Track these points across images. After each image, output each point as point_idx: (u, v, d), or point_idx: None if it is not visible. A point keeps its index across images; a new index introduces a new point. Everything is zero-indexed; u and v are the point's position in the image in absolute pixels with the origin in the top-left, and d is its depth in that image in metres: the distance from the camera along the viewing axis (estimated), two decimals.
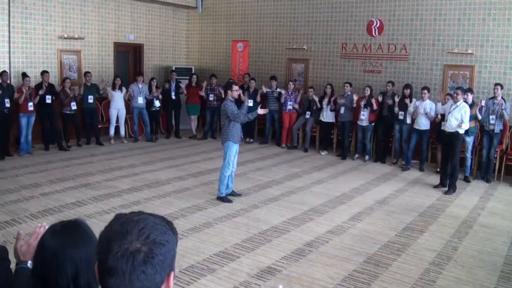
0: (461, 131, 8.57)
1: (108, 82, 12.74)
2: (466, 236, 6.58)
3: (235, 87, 7.71)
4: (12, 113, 10.40)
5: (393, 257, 5.72)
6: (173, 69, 13.87)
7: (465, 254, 5.96)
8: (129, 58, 14.40)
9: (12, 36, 10.97)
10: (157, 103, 12.85)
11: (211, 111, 13.27)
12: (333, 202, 7.88)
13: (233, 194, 7.96)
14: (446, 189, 8.77)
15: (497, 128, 9.47)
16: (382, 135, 11.11)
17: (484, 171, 9.77)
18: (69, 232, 1.84)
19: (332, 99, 11.51)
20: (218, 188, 7.78)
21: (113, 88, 12.21)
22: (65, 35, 12.12)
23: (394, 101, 10.60)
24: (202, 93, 13.17)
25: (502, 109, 9.38)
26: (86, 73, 11.93)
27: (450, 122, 8.56)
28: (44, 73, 11.02)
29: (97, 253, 1.30)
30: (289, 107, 12.30)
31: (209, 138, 13.38)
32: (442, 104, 9.42)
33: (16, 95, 10.38)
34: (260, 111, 8.07)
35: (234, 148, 7.65)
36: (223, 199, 7.72)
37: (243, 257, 5.59)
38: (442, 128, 8.88)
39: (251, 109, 12.38)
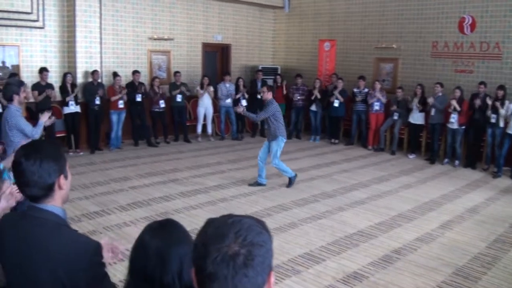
0: None
1: (196, 81, 13.11)
2: None
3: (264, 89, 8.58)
4: (103, 110, 11.00)
5: (483, 270, 5.50)
6: (259, 68, 14.02)
7: None
8: (216, 58, 14.71)
9: (104, 37, 11.53)
10: (243, 102, 13.04)
11: (297, 111, 13.33)
12: (422, 208, 7.68)
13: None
14: None
15: None
16: (473, 139, 10.66)
17: None
18: (169, 230, 1.89)
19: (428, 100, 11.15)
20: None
21: (201, 87, 12.54)
22: (155, 36, 12.59)
23: (486, 103, 10.15)
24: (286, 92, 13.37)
25: None
26: (176, 72, 12.34)
27: None
28: (135, 72, 11.57)
29: (194, 259, 1.29)
30: (376, 107, 12.10)
31: (294, 138, 13.43)
32: None
33: (100, 92, 10.87)
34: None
35: None
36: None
37: (328, 260, 5.58)
38: None
39: (337, 110, 12.47)
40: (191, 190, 8.17)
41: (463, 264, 5.64)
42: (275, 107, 8.24)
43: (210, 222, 1.32)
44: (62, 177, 2.02)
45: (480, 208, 7.82)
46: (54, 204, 2.01)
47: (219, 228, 1.27)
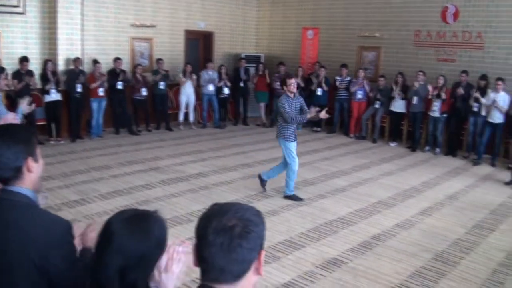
0: None
1: (179, 69, 13.01)
2: None
3: (290, 81, 7.04)
4: (84, 98, 10.86)
5: (461, 255, 5.56)
6: (242, 56, 13.94)
7: None
8: (199, 46, 14.59)
9: (85, 24, 11.34)
10: (226, 90, 12.99)
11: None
12: (402, 195, 7.72)
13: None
14: None
15: None
16: (454, 127, 10.72)
17: None
18: (134, 222, 1.77)
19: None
20: (287, 185, 7.29)
21: (184, 75, 12.44)
22: (137, 23, 12.42)
23: (468, 92, 10.21)
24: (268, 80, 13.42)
25: None
26: (158, 60, 12.22)
27: None
28: (116, 59, 11.41)
29: (198, 230, 1.45)
30: (359, 96, 12.11)
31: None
32: None
33: (81, 78, 10.74)
34: (321, 115, 7.33)
35: (292, 146, 7.14)
36: (292, 197, 7.25)
37: (308, 247, 5.60)
38: None
39: (319, 98, 12.43)
40: (172, 178, 8.11)
41: (442, 250, 5.70)
42: None
43: (215, 203, 1.52)
44: (30, 159, 2.01)
45: (459, 195, 7.90)
46: (24, 186, 2.02)
47: (222, 207, 1.47)
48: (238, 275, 1.41)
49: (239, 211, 1.44)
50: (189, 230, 5.72)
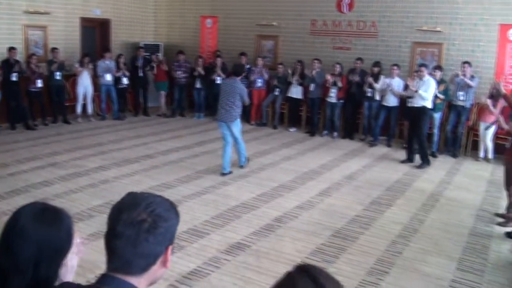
0: (429, 105, 8.68)
1: (75, 59, 12.47)
2: (433, 209, 6.73)
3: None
4: None
5: (360, 231, 5.82)
6: (141, 45, 13.64)
7: (431, 226, 6.11)
8: (95, 34, 14.07)
9: None
10: (124, 80, 12.63)
11: (179, 88, 13.17)
12: (302, 178, 7.93)
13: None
14: (413, 163, 8.92)
15: (468, 103, 9.63)
16: (350, 112, 11.17)
17: (451, 147, 9.93)
18: (46, 214, 1.71)
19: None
20: (242, 158, 8.35)
21: (81, 65, 11.95)
22: (31, 10, 11.75)
23: (363, 79, 10.68)
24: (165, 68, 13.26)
25: (464, 79, 9.47)
26: (53, 49, 11.62)
27: (416, 98, 8.68)
28: (11, 49, 10.72)
29: (109, 220, 1.47)
30: (259, 84, 12.26)
31: (177, 116, 13.27)
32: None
33: None
34: None
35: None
36: (243, 166, 8.36)
37: (212, 234, 5.61)
38: (410, 104, 8.98)
39: (218, 87, 12.38)
40: (71, 173, 7.79)
41: (341, 226, 5.94)
42: None
43: (129, 193, 1.51)
44: None
45: (357, 175, 8.25)
46: None
47: (134, 199, 1.47)
48: (143, 268, 1.45)
49: (151, 205, 1.44)
50: (90, 226, 5.56)
